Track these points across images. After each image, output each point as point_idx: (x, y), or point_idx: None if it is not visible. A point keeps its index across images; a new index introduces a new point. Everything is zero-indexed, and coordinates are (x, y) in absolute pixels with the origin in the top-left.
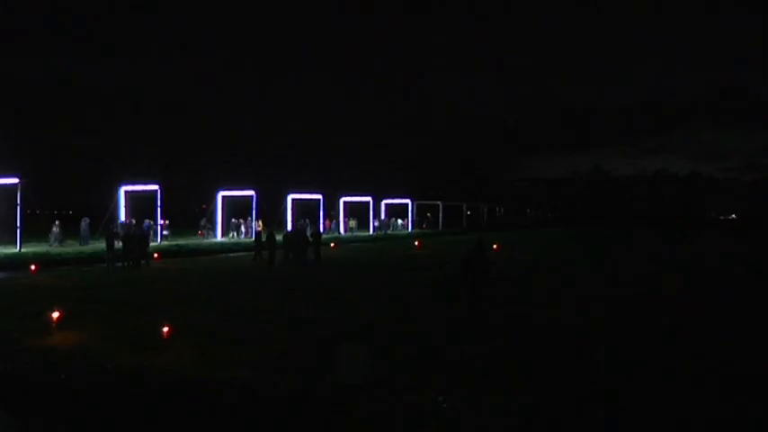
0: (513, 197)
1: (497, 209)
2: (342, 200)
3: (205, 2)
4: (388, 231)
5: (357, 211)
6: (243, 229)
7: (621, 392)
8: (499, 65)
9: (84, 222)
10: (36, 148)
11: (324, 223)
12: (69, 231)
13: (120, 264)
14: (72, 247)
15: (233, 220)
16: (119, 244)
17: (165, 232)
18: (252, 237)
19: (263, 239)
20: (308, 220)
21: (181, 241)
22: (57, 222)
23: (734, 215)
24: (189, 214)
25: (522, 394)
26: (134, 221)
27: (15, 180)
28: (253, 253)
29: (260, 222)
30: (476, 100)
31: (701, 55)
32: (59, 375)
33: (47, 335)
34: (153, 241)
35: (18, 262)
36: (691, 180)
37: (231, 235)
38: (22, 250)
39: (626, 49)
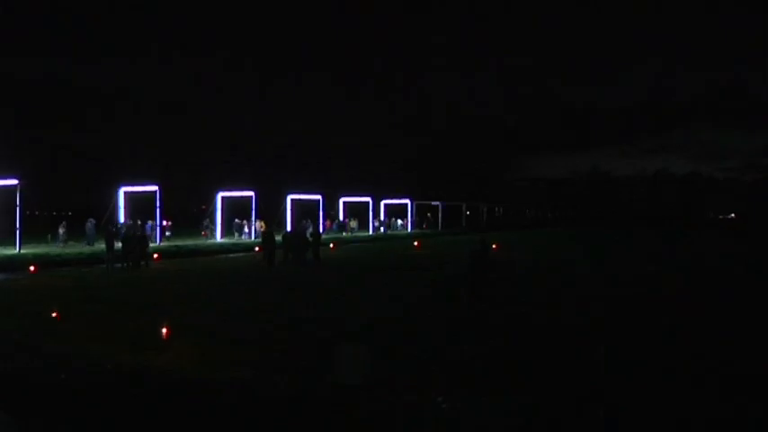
0: (513, 197)
1: (496, 209)
2: (341, 200)
3: (205, 2)
4: (388, 231)
5: (357, 212)
6: (246, 229)
7: (621, 392)
8: (499, 65)
9: (90, 223)
10: (36, 148)
11: (324, 223)
12: (73, 233)
13: (119, 264)
14: (75, 248)
15: (236, 220)
16: (118, 245)
17: (168, 233)
18: (254, 238)
19: (282, 239)
20: (310, 221)
21: (180, 242)
22: (63, 223)
23: (733, 214)
24: (188, 215)
25: (522, 394)
26: (139, 222)
27: (15, 181)
28: (250, 254)
29: (262, 223)
30: (476, 100)
31: (700, 55)
32: (59, 375)
33: (47, 335)
34: (152, 242)
35: (17, 263)
36: (690, 180)
37: (236, 236)
38: (22, 251)
39: (626, 49)
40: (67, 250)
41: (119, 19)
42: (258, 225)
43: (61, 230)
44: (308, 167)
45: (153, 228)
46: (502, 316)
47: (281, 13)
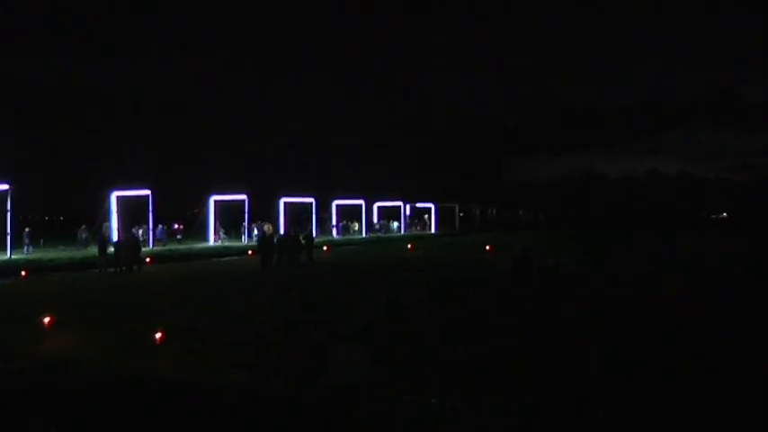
0: (512, 198)
1: (489, 211)
2: (334, 203)
3: (205, 2)
4: (382, 234)
5: (351, 214)
6: (255, 232)
7: (622, 392)
8: (499, 65)
9: (104, 227)
10: (32, 150)
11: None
12: (70, 238)
13: (112, 269)
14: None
15: (244, 224)
16: (110, 249)
17: (179, 236)
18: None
19: (276, 242)
20: (314, 225)
21: (179, 245)
22: (83, 227)
23: (725, 214)
24: (185, 218)
25: (522, 394)
26: (149, 227)
27: (6, 186)
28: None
29: (269, 226)
30: (476, 100)
31: (700, 55)
32: (56, 378)
33: (42, 339)
34: (145, 246)
35: (9, 268)
36: (687, 180)
37: (244, 239)
38: (13, 257)
39: (626, 49)
40: (61, 255)
41: (119, 19)
42: (266, 227)
43: (83, 235)
44: (306, 168)
45: (164, 231)
46: (500, 316)
47: (280, 13)
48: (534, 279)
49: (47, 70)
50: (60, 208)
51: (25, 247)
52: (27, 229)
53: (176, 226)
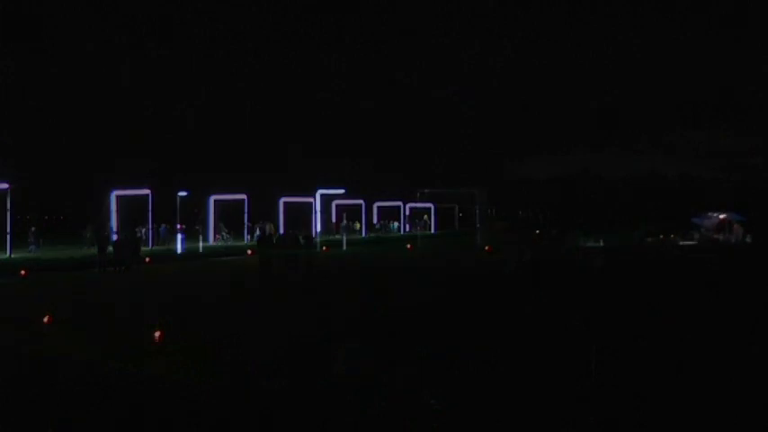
0: (511, 198)
1: (489, 210)
2: (334, 203)
3: (205, 2)
4: (382, 234)
5: (356, 214)
6: (258, 232)
7: (621, 389)
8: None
9: (105, 227)
10: (29, 150)
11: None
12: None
13: (111, 269)
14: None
15: (248, 224)
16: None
17: (181, 236)
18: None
19: (275, 242)
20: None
21: (173, 246)
22: (89, 226)
23: (724, 215)
24: (188, 217)
25: (521, 393)
26: (155, 227)
27: (5, 185)
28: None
29: (270, 225)
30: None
31: (701, 55)
32: (55, 378)
33: (41, 338)
34: (144, 246)
35: (9, 267)
36: (687, 180)
37: (247, 239)
38: (12, 256)
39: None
40: (60, 255)
41: (119, 19)
42: (268, 227)
43: (88, 234)
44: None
45: (167, 231)
46: (499, 316)
47: (280, 13)
48: (534, 279)
49: None
50: (60, 208)
51: (30, 246)
52: (33, 228)
53: (178, 225)
